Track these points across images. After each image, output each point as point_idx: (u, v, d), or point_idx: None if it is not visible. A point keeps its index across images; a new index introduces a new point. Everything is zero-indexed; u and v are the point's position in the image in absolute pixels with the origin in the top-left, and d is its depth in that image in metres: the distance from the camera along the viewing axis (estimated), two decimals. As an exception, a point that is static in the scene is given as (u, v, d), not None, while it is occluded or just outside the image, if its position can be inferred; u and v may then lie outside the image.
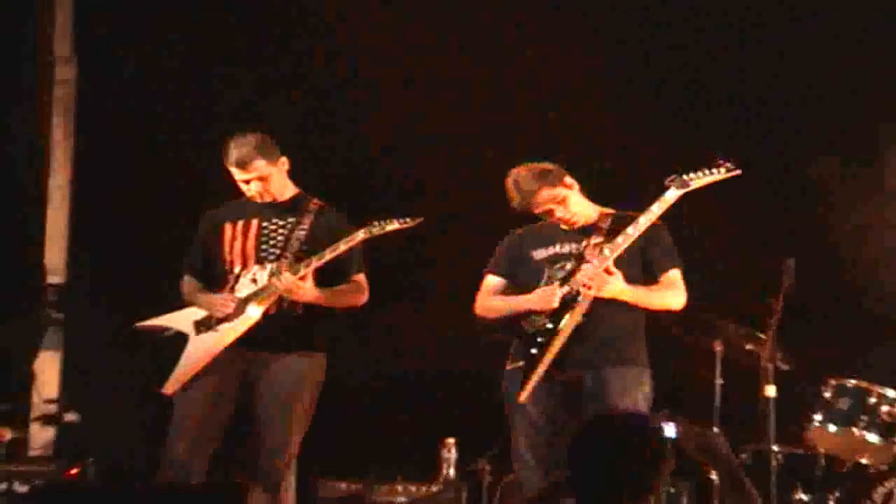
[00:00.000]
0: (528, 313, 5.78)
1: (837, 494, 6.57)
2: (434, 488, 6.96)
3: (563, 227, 5.89)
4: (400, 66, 7.90)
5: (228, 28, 8.08)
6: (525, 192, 5.82)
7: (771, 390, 6.11)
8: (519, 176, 5.84)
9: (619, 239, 5.70)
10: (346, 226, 5.99)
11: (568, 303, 5.70)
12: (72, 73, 8.22)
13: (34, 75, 8.11)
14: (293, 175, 6.08)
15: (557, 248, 5.88)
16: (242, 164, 5.95)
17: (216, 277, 6.02)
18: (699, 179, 5.70)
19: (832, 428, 6.57)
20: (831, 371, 6.66)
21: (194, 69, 7.98)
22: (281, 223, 6.02)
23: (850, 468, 6.68)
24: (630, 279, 5.74)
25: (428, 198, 7.73)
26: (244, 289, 5.91)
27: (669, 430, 5.62)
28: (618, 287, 5.69)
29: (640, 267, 5.82)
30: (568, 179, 5.85)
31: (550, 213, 5.86)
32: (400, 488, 6.96)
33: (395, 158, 7.92)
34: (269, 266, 5.93)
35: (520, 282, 5.91)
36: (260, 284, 5.90)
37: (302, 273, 5.83)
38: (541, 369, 5.68)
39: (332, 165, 7.73)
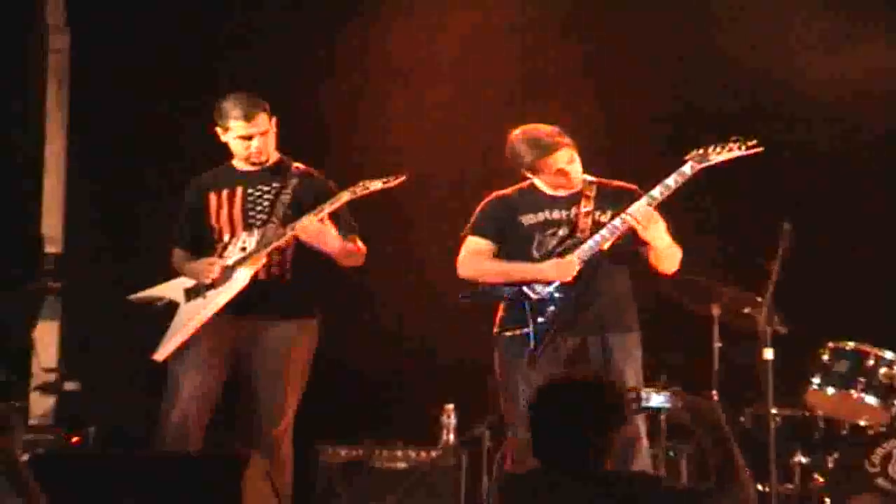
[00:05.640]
0: (534, 280, 5.79)
1: (836, 456, 6.59)
2: (434, 454, 6.96)
3: (550, 192, 5.90)
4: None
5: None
6: (546, 148, 5.81)
7: (769, 353, 6.12)
8: (537, 133, 5.84)
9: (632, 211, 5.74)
10: (330, 187, 6.02)
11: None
12: (65, 42, 8.18)
13: (27, 44, 8.07)
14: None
15: (548, 214, 5.88)
16: (248, 117, 5.98)
17: (205, 247, 6.04)
18: (718, 155, 5.74)
19: (830, 390, 6.59)
20: (829, 334, 6.67)
21: (189, 36, 7.94)
22: (266, 188, 6.05)
23: (849, 430, 6.71)
24: (624, 245, 5.81)
25: (441, 162, 7.73)
26: (233, 256, 5.94)
27: (661, 399, 5.62)
28: (661, 230, 5.75)
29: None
30: (573, 143, 5.87)
31: (562, 173, 5.84)
32: (400, 454, 6.96)
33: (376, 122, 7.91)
34: (256, 231, 5.95)
35: (506, 246, 5.92)
36: (249, 251, 5.92)
37: (299, 227, 5.85)
38: (550, 336, 5.74)
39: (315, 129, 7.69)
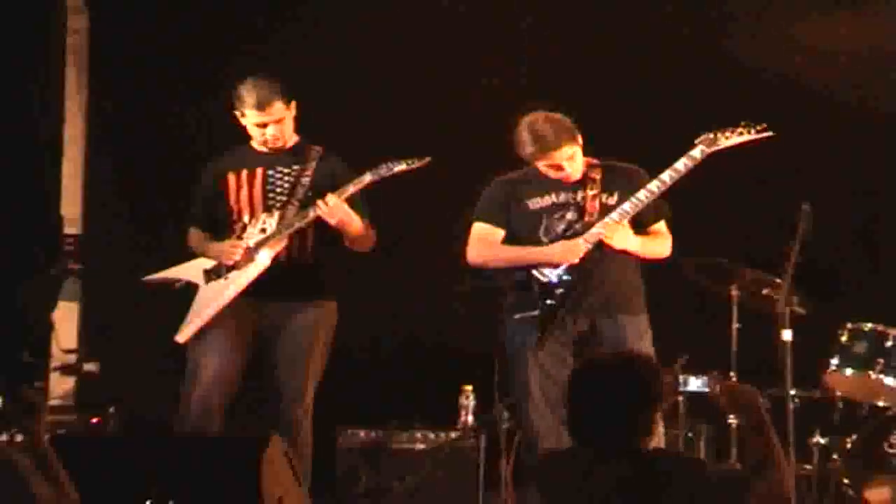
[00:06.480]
0: (541, 264, 5.80)
1: (854, 438, 6.59)
2: (453, 435, 6.98)
3: (555, 176, 5.88)
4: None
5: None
6: (546, 145, 5.80)
7: (787, 335, 6.10)
8: (542, 127, 5.81)
9: (641, 195, 5.78)
10: (348, 171, 6.02)
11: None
12: (83, 22, 8.19)
13: (46, 25, 8.07)
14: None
15: (555, 198, 5.88)
16: (262, 106, 5.96)
17: (222, 228, 6.05)
18: (728, 139, 5.74)
19: (849, 372, 6.58)
20: (848, 315, 6.66)
21: (210, 17, 7.94)
22: (286, 170, 6.05)
23: (867, 411, 6.70)
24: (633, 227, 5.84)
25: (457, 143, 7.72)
26: (253, 237, 5.94)
27: (700, 383, 5.69)
28: (631, 241, 5.78)
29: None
30: (580, 137, 5.85)
31: (559, 168, 5.84)
32: (419, 435, 6.98)
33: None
34: (276, 213, 5.95)
35: (513, 230, 5.92)
36: (269, 232, 5.92)
37: (320, 211, 5.85)
38: (559, 318, 5.75)
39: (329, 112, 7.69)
